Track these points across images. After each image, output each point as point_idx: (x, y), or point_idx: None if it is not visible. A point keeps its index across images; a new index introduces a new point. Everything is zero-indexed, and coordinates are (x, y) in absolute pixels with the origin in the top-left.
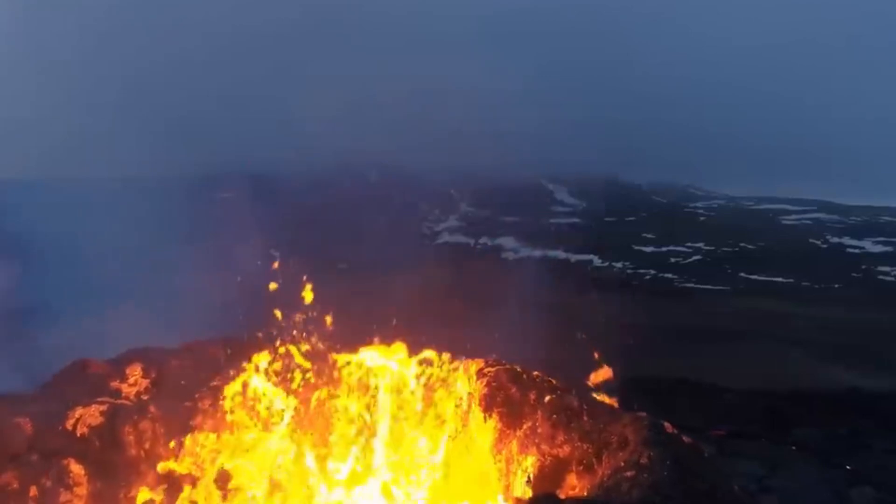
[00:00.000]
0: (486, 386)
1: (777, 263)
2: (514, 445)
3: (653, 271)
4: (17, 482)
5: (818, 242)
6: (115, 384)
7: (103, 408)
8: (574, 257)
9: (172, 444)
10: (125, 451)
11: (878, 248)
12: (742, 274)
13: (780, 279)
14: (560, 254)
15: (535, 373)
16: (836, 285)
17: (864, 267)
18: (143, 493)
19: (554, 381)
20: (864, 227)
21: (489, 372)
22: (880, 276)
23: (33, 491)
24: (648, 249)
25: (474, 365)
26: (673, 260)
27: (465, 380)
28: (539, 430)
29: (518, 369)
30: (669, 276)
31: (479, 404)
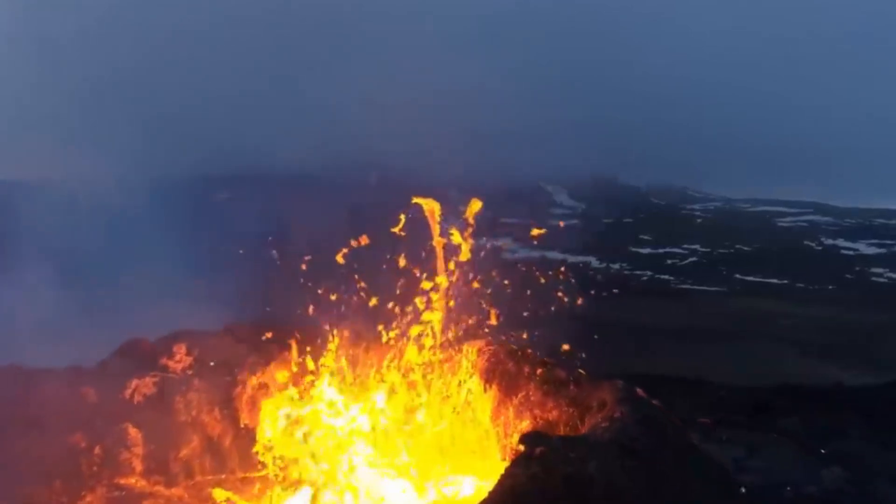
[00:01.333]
0: (486, 362)
1: (772, 265)
2: (511, 412)
3: (649, 272)
4: (84, 442)
5: (813, 244)
6: (163, 361)
7: (155, 380)
8: (572, 258)
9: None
10: (175, 417)
11: (872, 250)
12: (737, 275)
13: (774, 280)
14: (558, 255)
15: (528, 350)
16: (830, 286)
17: (857, 268)
18: (189, 453)
19: (545, 358)
20: (859, 228)
21: (488, 350)
22: (873, 278)
23: (97, 450)
24: (646, 251)
25: (475, 346)
26: (670, 261)
27: (467, 359)
28: (532, 399)
29: (514, 348)
30: (666, 277)
31: (480, 378)
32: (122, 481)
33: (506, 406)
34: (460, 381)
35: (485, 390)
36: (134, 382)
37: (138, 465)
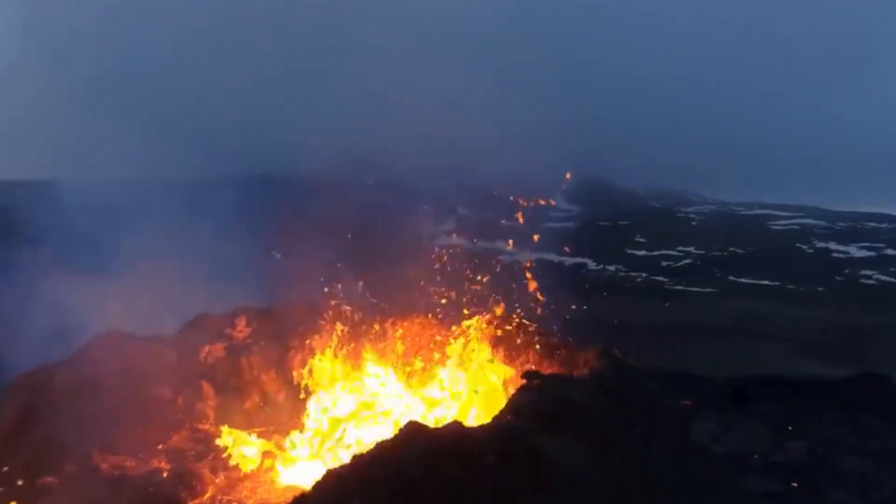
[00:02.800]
0: (495, 330)
1: (764, 266)
2: (515, 372)
3: (644, 274)
4: (168, 394)
5: (805, 247)
6: (227, 331)
7: (224, 345)
8: (569, 261)
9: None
10: (240, 376)
11: (863, 253)
12: (730, 277)
13: (766, 281)
14: (554, 257)
15: (527, 322)
16: (820, 287)
17: (847, 270)
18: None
19: (541, 330)
20: (850, 232)
21: (496, 322)
22: (862, 280)
23: (180, 400)
24: (641, 253)
25: (485, 320)
26: (665, 263)
27: (478, 330)
28: (531, 360)
29: (517, 320)
30: (661, 278)
31: (490, 344)
32: (199, 426)
33: (510, 366)
34: (473, 349)
35: (493, 354)
36: (206, 348)
37: (211, 414)
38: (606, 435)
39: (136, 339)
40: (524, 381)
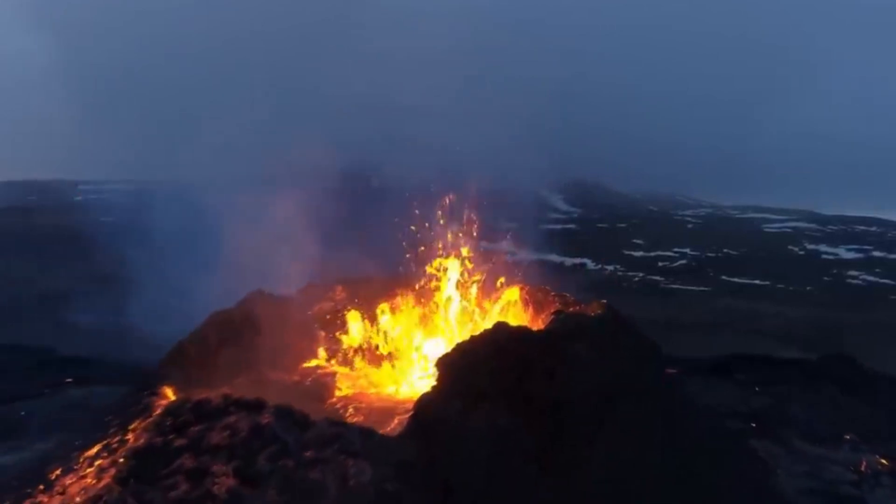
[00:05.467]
0: (523, 293)
1: (756, 267)
2: (540, 323)
3: (641, 273)
4: (290, 340)
5: (796, 249)
6: (328, 295)
7: (329, 305)
8: (569, 260)
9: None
10: (341, 327)
11: (851, 255)
12: (723, 276)
13: (757, 281)
14: (555, 257)
15: (547, 289)
16: (809, 287)
17: (834, 271)
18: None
19: (557, 293)
20: (840, 235)
21: (525, 288)
22: (849, 280)
23: (297, 344)
24: (638, 254)
25: (517, 287)
26: (661, 264)
27: (510, 293)
28: (552, 313)
29: (540, 287)
30: (657, 278)
31: (521, 302)
32: (313, 363)
33: (536, 320)
34: (503, 306)
35: (524, 310)
36: (317, 307)
37: (322, 353)
38: (613, 345)
39: (273, 297)
40: (553, 316)
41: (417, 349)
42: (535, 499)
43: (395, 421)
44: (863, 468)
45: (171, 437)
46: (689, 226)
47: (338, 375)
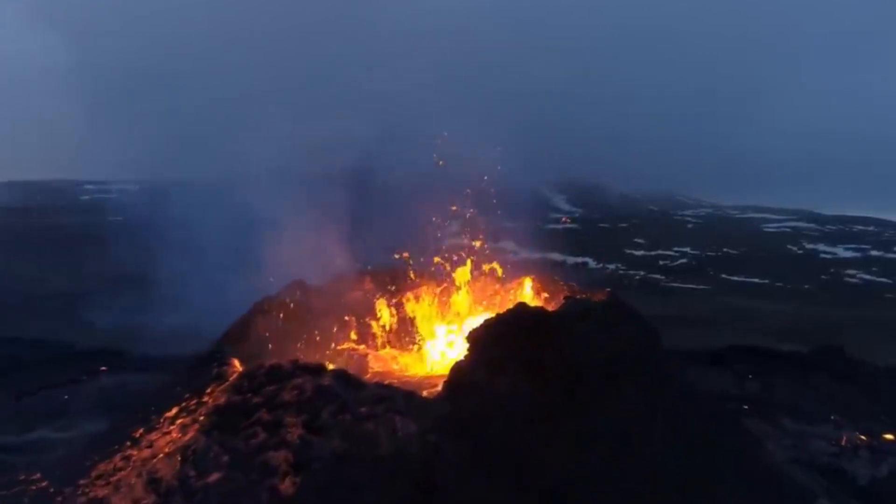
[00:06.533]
0: (535, 282)
1: (755, 266)
2: (552, 307)
3: (642, 272)
4: (329, 318)
5: (794, 248)
6: (358, 284)
7: (359, 294)
8: (571, 259)
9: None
10: (371, 314)
11: (849, 254)
12: (723, 275)
13: (756, 280)
14: (557, 256)
15: (557, 279)
16: (806, 285)
17: (832, 270)
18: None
19: (568, 284)
20: (839, 234)
21: (539, 278)
22: (846, 278)
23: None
24: (639, 253)
25: (529, 277)
26: (661, 263)
27: (524, 282)
28: (563, 298)
29: (552, 278)
30: (657, 276)
31: (533, 290)
32: (346, 345)
33: (547, 304)
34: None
35: (539, 296)
36: (348, 295)
37: (353, 336)
38: (616, 325)
39: (308, 286)
40: (564, 300)
41: (440, 333)
42: (549, 448)
43: (425, 392)
44: (843, 443)
45: (248, 395)
46: (690, 225)
47: (369, 356)
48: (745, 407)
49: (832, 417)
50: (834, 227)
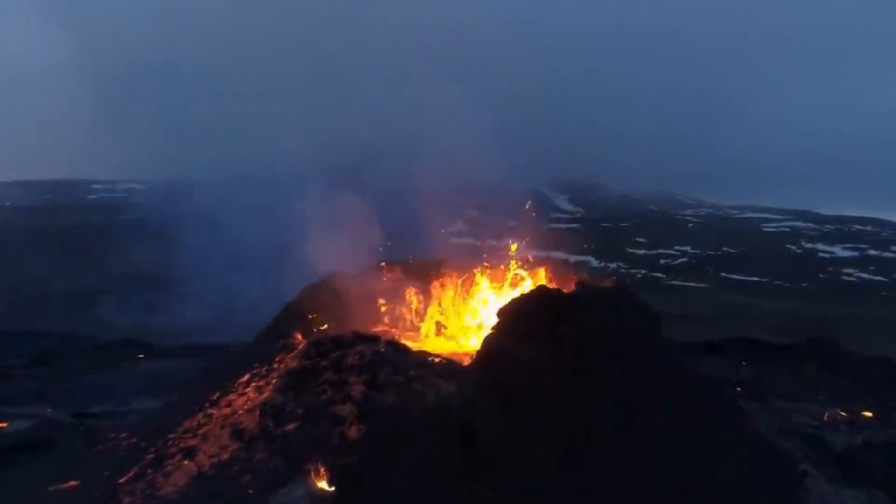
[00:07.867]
0: (548, 272)
1: (754, 265)
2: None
3: (643, 271)
4: (362, 304)
5: (793, 247)
6: (389, 275)
7: (390, 283)
8: (573, 258)
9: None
10: (399, 302)
11: (847, 253)
12: (723, 274)
13: (755, 278)
14: (560, 255)
15: (567, 270)
16: (805, 284)
17: (830, 269)
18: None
19: (578, 273)
20: (837, 234)
21: (549, 266)
22: (843, 277)
23: (384, 310)
24: (640, 252)
25: (543, 268)
26: (662, 261)
27: (539, 272)
28: (575, 284)
29: (563, 269)
30: (658, 275)
31: (546, 278)
32: (380, 328)
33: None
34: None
35: (550, 282)
36: (381, 284)
37: (386, 321)
38: (622, 308)
39: (346, 274)
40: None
41: (466, 316)
42: (565, 408)
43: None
44: (825, 418)
45: (317, 360)
46: (690, 225)
47: (402, 338)
48: (738, 389)
49: (819, 398)
50: (832, 227)
